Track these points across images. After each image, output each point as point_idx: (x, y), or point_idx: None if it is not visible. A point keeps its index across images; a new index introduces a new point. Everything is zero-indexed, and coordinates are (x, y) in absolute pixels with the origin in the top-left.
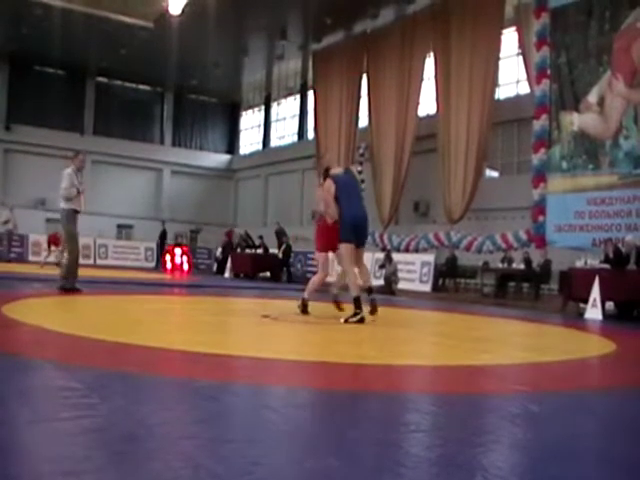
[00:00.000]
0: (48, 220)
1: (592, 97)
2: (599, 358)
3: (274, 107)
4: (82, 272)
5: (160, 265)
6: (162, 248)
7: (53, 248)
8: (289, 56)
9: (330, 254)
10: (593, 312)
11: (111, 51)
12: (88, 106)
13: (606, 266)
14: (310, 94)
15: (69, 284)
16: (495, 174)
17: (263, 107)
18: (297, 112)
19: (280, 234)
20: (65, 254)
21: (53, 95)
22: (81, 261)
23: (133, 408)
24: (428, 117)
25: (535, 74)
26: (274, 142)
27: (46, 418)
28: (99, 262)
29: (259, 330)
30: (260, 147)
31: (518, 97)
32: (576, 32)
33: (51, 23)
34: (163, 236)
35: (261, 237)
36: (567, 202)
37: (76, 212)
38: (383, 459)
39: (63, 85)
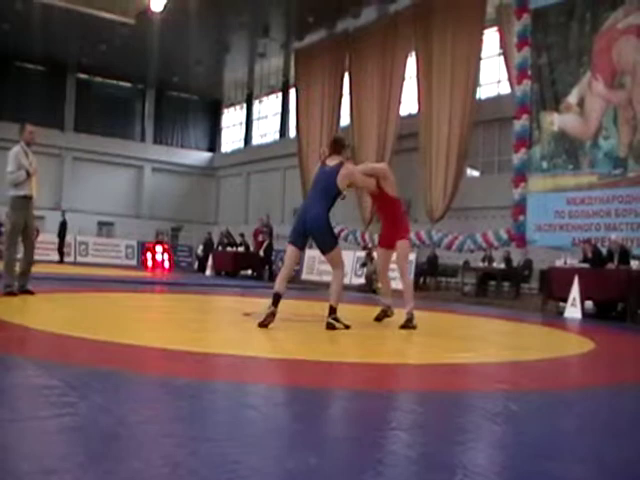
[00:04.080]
0: None
1: (572, 98)
2: (578, 357)
3: (256, 105)
4: (64, 270)
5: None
6: (62, 240)
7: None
8: (271, 54)
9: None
10: (572, 311)
11: (92, 47)
12: (69, 102)
13: (585, 265)
14: (292, 92)
15: (17, 287)
16: (476, 173)
17: (245, 105)
18: (279, 110)
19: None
20: (5, 251)
21: (34, 91)
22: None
23: (113, 406)
24: (410, 116)
25: (516, 74)
26: (256, 140)
27: (25, 416)
28: (79, 259)
29: (240, 328)
30: (242, 145)
31: (499, 97)
32: (557, 33)
33: (32, 19)
34: (63, 227)
35: (242, 235)
36: (547, 202)
37: (27, 198)
38: (363, 457)
39: (44, 81)
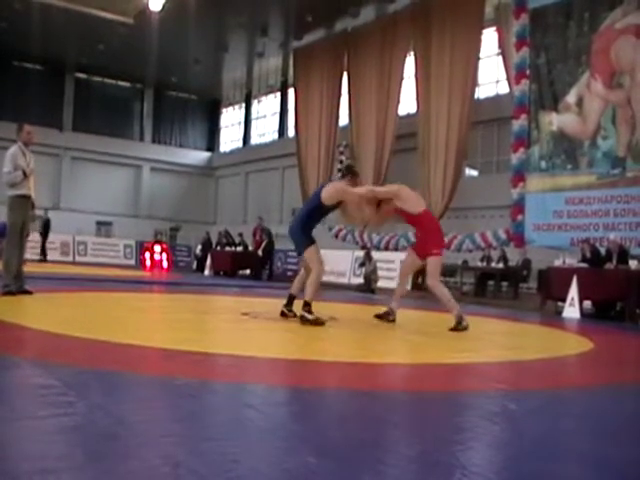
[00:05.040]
0: None
1: (571, 97)
2: (577, 356)
3: (254, 104)
4: (62, 269)
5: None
6: (45, 239)
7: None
8: (270, 53)
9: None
10: (571, 311)
11: (91, 47)
12: (67, 102)
13: (584, 265)
14: (291, 92)
15: (15, 286)
16: (475, 173)
17: (243, 104)
18: (278, 110)
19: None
20: (4, 251)
21: (32, 91)
22: (60, 258)
23: (112, 406)
24: (408, 116)
25: (514, 74)
26: (254, 140)
27: (24, 416)
28: (78, 259)
29: (239, 328)
30: (240, 144)
31: (498, 97)
32: (555, 33)
33: (30, 18)
34: (46, 226)
35: (241, 234)
36: (546, 201)
37: (25, 198)
38: (362, 457)
39: (42, 81)
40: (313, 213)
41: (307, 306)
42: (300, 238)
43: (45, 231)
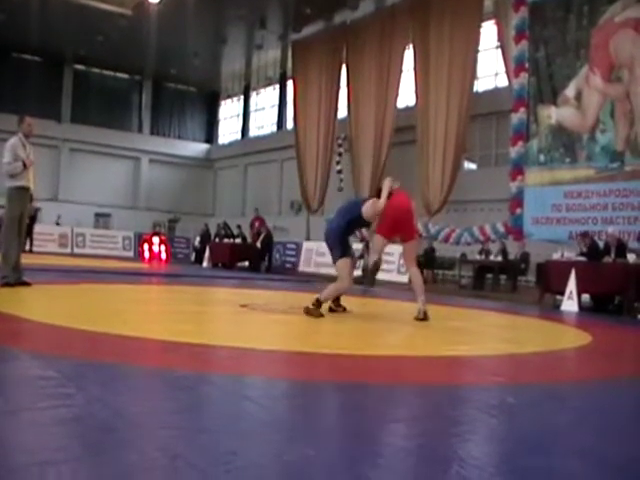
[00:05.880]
0: None
1: (570, 91)
2: (575, 350)
3: (253, 97)
4: (60, 261)
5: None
6: (30, 230)
7: None
8: (268, 46)
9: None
10: (569, 304)
11: (89, 38)
12: (66, 94)
13: (582, 259)
14: (289, 84)
15: (13, 278)
16: (473, 166)
17: (242, 97)
18: (276, 102)
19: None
20: (3, 242)
21: (31, 82)
22: (59, 250)
23: (110, 398)
24: (407, 109)
25: (513, 67)
26: (253, 132)
27: (22, 408)
28: (77, 251)
29: (237, 320)
30: (239, 137)
31: (497, 90)
32: (554, 26)
33: (29, 10)
34: (33, 217)
35: (239, 226)
36: (544, 195)
37: (24, 189)
38: (361, 449)
39: (41, 72)
40: (354, 223)
41: (317, 302)
42: (338, 247)
43: (31, 221)
